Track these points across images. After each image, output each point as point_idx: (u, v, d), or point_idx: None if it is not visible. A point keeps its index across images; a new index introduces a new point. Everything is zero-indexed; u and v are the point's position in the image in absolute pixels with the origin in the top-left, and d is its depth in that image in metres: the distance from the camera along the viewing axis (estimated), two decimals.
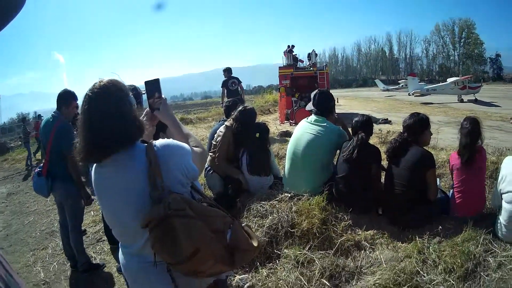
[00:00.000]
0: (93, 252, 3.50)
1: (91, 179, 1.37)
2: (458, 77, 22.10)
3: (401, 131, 2.92)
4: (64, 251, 3.31)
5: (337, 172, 3.02)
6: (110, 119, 1.20)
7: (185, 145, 1.32)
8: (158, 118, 1.46)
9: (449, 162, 2.93)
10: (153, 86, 1.47)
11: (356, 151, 2.83)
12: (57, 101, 3.07)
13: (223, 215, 1.28)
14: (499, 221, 2.46)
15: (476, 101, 17.89)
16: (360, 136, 2.89)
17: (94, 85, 1.23)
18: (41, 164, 3.14)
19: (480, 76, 38.50)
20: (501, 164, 2.59)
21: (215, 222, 1.23)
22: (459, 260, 2.17)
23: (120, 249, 1.38)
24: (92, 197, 3.16)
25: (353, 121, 3.09)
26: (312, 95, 3.34)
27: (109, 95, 1.22)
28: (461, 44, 52.44)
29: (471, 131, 2.72)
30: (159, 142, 1.26)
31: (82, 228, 3.44)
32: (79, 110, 1.27)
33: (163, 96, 1.45)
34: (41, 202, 5.46)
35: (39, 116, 12.83)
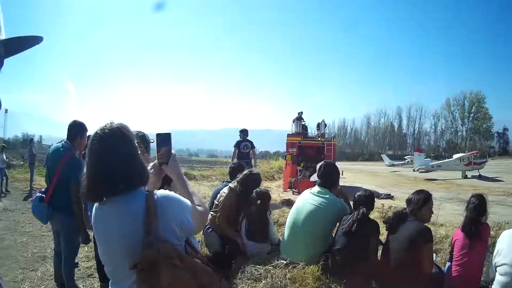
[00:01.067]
0: (83, 286, 3.44)
1: (90, 215, 1.41)
2: (464, 153, 22.45)
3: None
4: (55, 278, 3.27)
5: (334, 244, 3.02)
6: (116, 161, 1.23)
7: (186, 200, 1.33)
8: (165, 172, 1.47)
9: (452, 238, 2.95)
10: (164, 139, 1.47)
11: (355, 225, 2.85)
12: (68, 131, 3.06)
13: (211, 272, 1.28)
14: None
15: (480, 177, 17.87)
16: (361, 210, 2.92)
17: (104, 126, 1.27)
18: (43, 190, 3.10)
19: (486, 151, 38.28)
20: (498, 238, 2.57)
21: (202, 277, 1.23)
22: None
23: (110, 287, 1.39)
24: (90, 236, 3.11)
25: (356, 195, 3.12)
26: (317, 166, 3.39)
27: (119, 138, 1.25)
28: (470, 119, 52.81)
29: (477, 206, 2.81)
30: (160, 192, 1.29)
31: (75, 261, 3.39)
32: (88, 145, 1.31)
33: (172, 151, 1.46)
34: (36, 226, 5.43)
35: None
